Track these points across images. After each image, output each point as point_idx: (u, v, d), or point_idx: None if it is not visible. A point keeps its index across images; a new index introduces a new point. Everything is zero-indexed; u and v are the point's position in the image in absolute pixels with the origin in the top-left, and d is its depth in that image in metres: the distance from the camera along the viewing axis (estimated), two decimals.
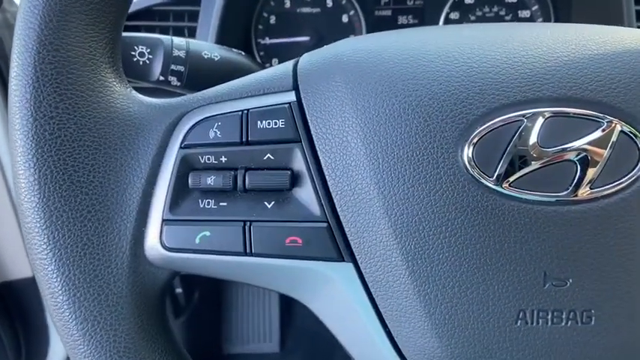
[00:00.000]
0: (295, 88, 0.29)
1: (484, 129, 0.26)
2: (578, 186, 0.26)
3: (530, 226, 0.26)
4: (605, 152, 0.26)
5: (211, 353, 1.33)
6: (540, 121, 0.26)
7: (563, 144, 0.26)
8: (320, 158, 0.27)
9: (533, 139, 0.26)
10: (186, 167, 0.28)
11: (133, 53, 0.40)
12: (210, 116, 0.28)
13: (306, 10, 0.77)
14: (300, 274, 0.28)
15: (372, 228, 0.27)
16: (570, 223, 0.26)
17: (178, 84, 0.41)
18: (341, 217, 0.27)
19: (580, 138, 0.26)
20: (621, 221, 0.26)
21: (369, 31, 0.78)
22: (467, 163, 0.26)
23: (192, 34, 0.69)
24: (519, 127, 0.26)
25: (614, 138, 0.26)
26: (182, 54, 0.41)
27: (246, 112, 0.28)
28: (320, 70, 0.29)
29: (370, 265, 0.27)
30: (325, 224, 0.27)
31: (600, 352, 0.26)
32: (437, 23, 0.77)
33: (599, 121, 0.26)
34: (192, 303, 1.26)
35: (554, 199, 0.26)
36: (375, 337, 0.28)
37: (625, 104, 0.26)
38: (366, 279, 0.27)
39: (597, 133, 0.26)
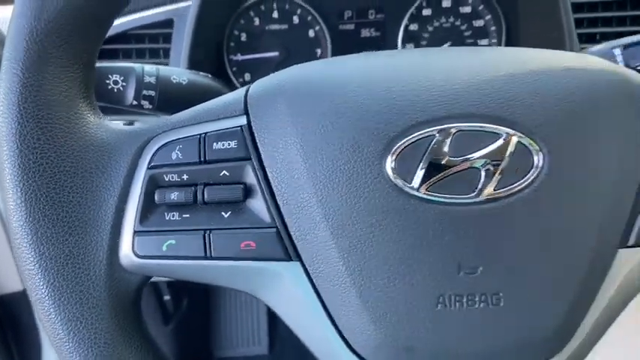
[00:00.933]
0: (246, 112, 0.33)
1: (403, 143, 0.31)
2: (483, 189, 0.31)
3: (445, 224, 0.31)
4: (505, 160, 0.31)
5: (201, 358, 1.36)
6: (450, 134, 0.31)
7: (470, 154, 0.31)
8: (268, 173, 0.32)
9: (444, 150, 0.31)
10: (153, 185, 0.33)
11: (108, 81, 0.44)
12: (173, 140, 0.33)
13: (274, 27, 0.82)
14: (254, 273, 0.33)
15: (314, 231, 0.31)
16: (478, 220, 0.31)
17: (150, 107, 0.46)
18: (287, 223, 0.32)
19: (484, 148, 0.31)
20: (522, 216, 0.31)
21: (334, 45, 0.82)
22: (390, 172, 0.31)
23: (167, 54, 0.74)
24: (432, 140, 0.31)
25: (511, 148, 0.31)
26: (153, 80, 0.45)
27: (203, 135, 0.33)
28: (266, 96, 0.33)
29: (314, 262, 0.32)
30: (274, 229, 0.32)
31: (509, 330, 0.31)
32: (397, 35, 0.82)
33: (499, 134, 0.31)
34: (181, 310, 1.30)
35: (463, 201, 0.31)
36: (323, 327, 0.32)
37: (521, 118, 0.31)
38: (312, 275, 0.32)
39: (498, 144, 0.31)
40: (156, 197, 0.32)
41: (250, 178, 0.32)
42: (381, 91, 0.32)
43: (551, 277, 0.31)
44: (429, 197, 0.31)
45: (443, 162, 0.31)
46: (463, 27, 0.83)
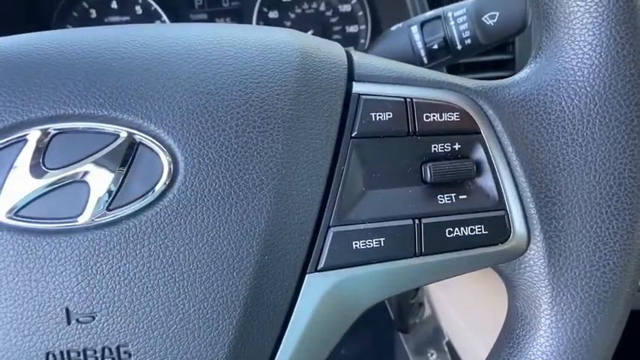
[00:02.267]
0: None
1: None
2: (93, 210, 0.23)
3: (44, 260, 0.22)
4: (122, 169, 0.23)
5: None
6: (45, 139, 0.23)
7: (72, 163, 0.23)
8: None
9: (37, 159, 0.22)
10: None
11: None
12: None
13: (114, 19, 0.73)
14: None
15: None
16: (88, 250, 0.23)
17: None
18: None
19: (90, 155, 0.23)
20: (149, 241, 0.23)
21: None
22: None
23: None
24: (22, 148, 0.23)
25: (130, 152, 0.23)
26: None
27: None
28: None
29: None
30: None
31: None
32: (253, 23, 0.74)
33: (115, 135, 0.23)
34: None
35: (65, 226, 0.22)
36: None
37: (143, 113, 0.23)
38: None
39: (112, 148, 0.23)
40: None
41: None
42: None
43: (198, 316, 0.23)
44: (18, 224, 0.22)
45: (35, 176, 0.22)
46: (329, 13, 0.75)
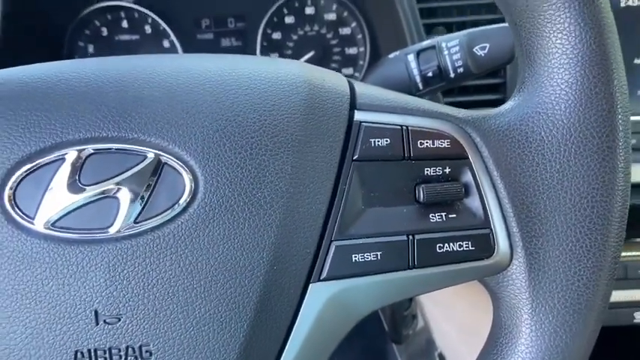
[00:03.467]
0: None
1: (26, 170, 0.25)
2: (122, 222, 0.25)
3: (76, 267, 0.25)
4: (148, 186, 0.25)
5: None
6: (81, 159, 0.25)
7: (104, 180, 0.25)
8: None
9: (73, 177, 0.25)
10: None
11: None
12: None
13: (124, 37, 0.77)
14: None
15: None
16: (117, 259, 0.25)
17: None
18: None
19: (121, 174, 0.25)
20: (171, 251, 0.25)
21: None
22: (8, 205, 0.25)
23: None
24: (60, 166, 0.25)
25: (156, 171, 0.25)
26: None
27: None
28: None
29: None
30: None
31: None
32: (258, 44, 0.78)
33: (143, 155, 0.26)
34: None
35: (96, 237, 0.25)
36: None
37: (168, 136, 0.26)
38: None
39: (140, 167, 0.25)
40: None
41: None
42: (22, 107, 0.26)
43: (213, 320, 0.26)
44: (53, 234, 0.25)
45: (71, 191, 0.25)
46: (329, 35, 0.79)
